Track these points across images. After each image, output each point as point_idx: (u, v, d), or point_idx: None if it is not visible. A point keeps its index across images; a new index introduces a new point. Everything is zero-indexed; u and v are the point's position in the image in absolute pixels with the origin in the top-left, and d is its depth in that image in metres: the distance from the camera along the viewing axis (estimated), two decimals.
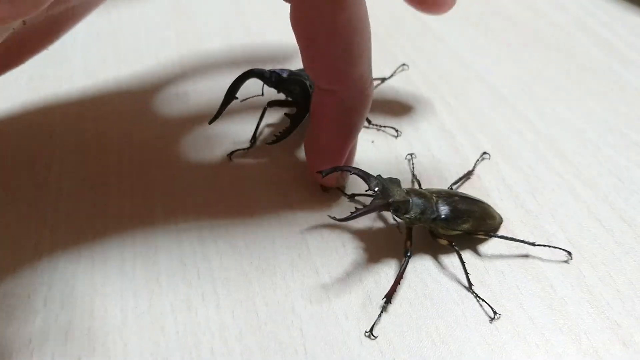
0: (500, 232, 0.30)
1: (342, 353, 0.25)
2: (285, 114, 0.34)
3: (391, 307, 0.27)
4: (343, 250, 0.29)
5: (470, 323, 0.26)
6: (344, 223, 0.30)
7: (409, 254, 0.28)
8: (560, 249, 0.29)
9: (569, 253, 0.29)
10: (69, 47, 0.42)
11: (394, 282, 0.27)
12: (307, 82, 0.34)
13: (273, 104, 0.35)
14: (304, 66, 0.29)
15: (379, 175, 0.28)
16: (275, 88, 0.34)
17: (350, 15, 0.27)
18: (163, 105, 0.38)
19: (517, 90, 0.39)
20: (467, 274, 0.27)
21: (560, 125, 0.36)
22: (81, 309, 0.27)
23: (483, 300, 0.27)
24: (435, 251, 0.29)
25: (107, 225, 0.30)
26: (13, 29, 0.23)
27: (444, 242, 0.29)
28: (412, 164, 0.34)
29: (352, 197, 0.31)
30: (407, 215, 0.28)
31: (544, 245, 0.29)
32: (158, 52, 0.43)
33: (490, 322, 0.26)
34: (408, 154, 0.34)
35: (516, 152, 0.34)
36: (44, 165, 0.34)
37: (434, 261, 0.29)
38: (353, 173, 0.29)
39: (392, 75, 0.40)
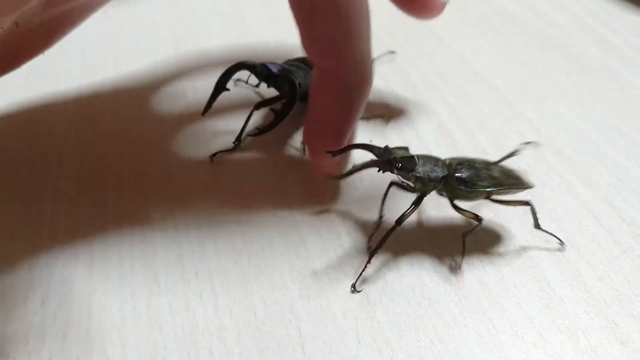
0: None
1: (340, 352, 0.25)
2: (271, 108, 0.34)
3: (389, 306, 0.27)
4: (341, 250, 0.29)
5: (469, 322, 0.26)
6: (343, 223, 0.30)
7: (400, 222, 0.27)
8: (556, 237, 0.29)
9: (561, 242, 0.29)
10: (67, 45, 0.42)
11: (378, 243, 0.27)
12: (297, 81, 0.34)
13: (260, 105, 0.35)
14: (302, 46, 0.29)
15: (387, 145, 0.28)
16: (264, 82, 0.35)
17: None
18: (161, 103, 0.38)
19: (517, 90, 0.39)
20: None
21: (560, 124, 0.36)
22: (79, 309, 0.27)
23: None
24: (433, 250, 0.29)
25: (105, 225, 0.30)
26: (2, 28, 0.23)
27: (469, 214, 0.28)
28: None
29: (350, 173, 0.30)
30: (415, 173, 0.27)
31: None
32: (156, 51, 0.43)
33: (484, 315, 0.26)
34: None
35: None
36: (42, 164, 0.34)
37: (432, 260, 0.29)
38: (359, 148, 0.28)
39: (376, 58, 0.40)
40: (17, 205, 0.32)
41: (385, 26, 0.45)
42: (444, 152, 0.34)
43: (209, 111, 0.34)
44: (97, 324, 0.26)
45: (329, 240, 0.30)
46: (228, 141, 0.35)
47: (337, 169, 0.30)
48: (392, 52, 0.41)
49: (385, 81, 0.39)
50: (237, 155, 0.34)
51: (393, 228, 0.28)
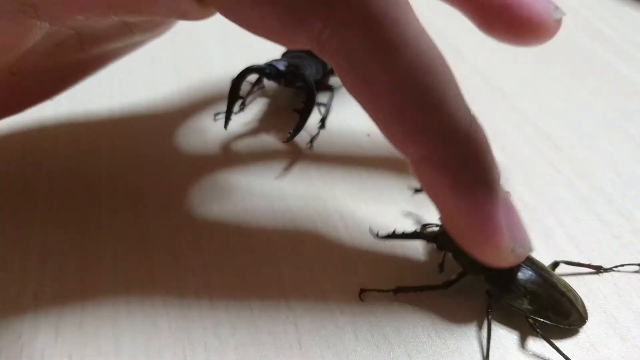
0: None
1: (337, 348, 0.25)
2: (294, 109, 0.33)
3: (387, 302, 0.26)
4: (338, 245, 0.29)
5: (467, 316, 0.26)
6: (341, 218, 0.30)
7: (447, 285, 0.26)
8: (633, 264, 0.27)
9: None
10: None
11: (410, 287, 0.26)
12: (307, 72, 0.34)
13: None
14: (383, 134, 0.23)
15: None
16: (275, 81, 0.34)
17: (410, 53, 0.21)
18: (157, 98, 0.38)
19: (515, 84, 0.39)
20: (488, 346, 0.25)
21: (557, 118, 0.36)
22: (72, 304, 0.26)
23: None
24: (431, 247, 0.29)
25: (99, 220, 0.30)
26: None
27: (487, 300, 0.26)
28: None
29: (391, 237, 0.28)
30: (454, 257, 0.26)
31: (617, 267, 0.27)
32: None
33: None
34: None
35: (513, 145, 0.34)
36: (34, 159, 0.33)
37: (430, 256, 0.28)
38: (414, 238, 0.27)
39: None
40: (8, 199, 0.31)
41: None
42: None
43: (208, 110, 0.34)
44: (91, 318, 0.26)
45: (326, 235, 0.29)
46: (225, 137, 0.35)
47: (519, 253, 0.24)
48: None
49: None
50: (232, 152, 0.34)
51: (435, 287, 0.26)
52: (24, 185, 0.32)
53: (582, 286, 0.27)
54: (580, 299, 0.26)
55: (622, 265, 0.27)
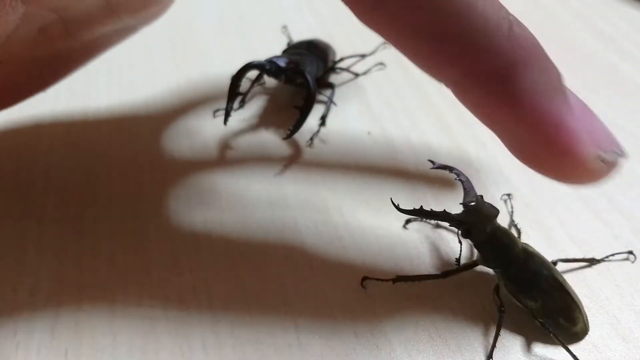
0: None
1: (337, 347, 0.25)
2: (294, 106, 0.33)
3: (387, 301, 0.26)
4: (338, 243, 0.29)
5: (468, 317, 0.26)
6: (341, 216, 0.30)
7: (446, 275, 0.26)
8: (622, 252, 0.28)
9: (631, 252, 0.28)
10: None
11: (410, 277, 0.26)
12: (308, 69, 0.33)
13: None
14: (414, 63, 0.21)
15: (481, 196, 0.25)
16: (275, 78, 0.34)
17: None
18: (156, 94, 0.38)
19: None
20: (494, 345, 0.24)
21: None
22: (68, 301, 0.26)
23: None
24: (431, 245, 0.29)
25: (96, 217, 0.30)
26: None
27: (497, 300, 0.25)
28: (511, 206, 0.30)
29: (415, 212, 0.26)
30: (475, 247, 0.26)
31: (608, 257, 0.27)
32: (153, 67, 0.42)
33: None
34: (505, 194, 0.30)
35: None
36: (31, 156, 0.33)
37: (431, 254, 0.28)
38: (458, 179, 0.25)
39: (373, 53, 0.40)
40: (3, 196, 0.31)
41: None
42: (442, 145, 0.34)
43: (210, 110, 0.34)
44: (87, 316, 0.26)
45: (326, 234, 0.29)
46: (223, 135, 0.34)
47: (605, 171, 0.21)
48: (382, 64, 0.40)
49: (384, 72, 0.39)
50: (231, 148, 0.34)
51: (435, 276, 0.26)
52: (20, 182, 0.32)
53: (584, 287, 0.26)
54: (584, 310, 0.25)
55: (613, 254, 0.27)
